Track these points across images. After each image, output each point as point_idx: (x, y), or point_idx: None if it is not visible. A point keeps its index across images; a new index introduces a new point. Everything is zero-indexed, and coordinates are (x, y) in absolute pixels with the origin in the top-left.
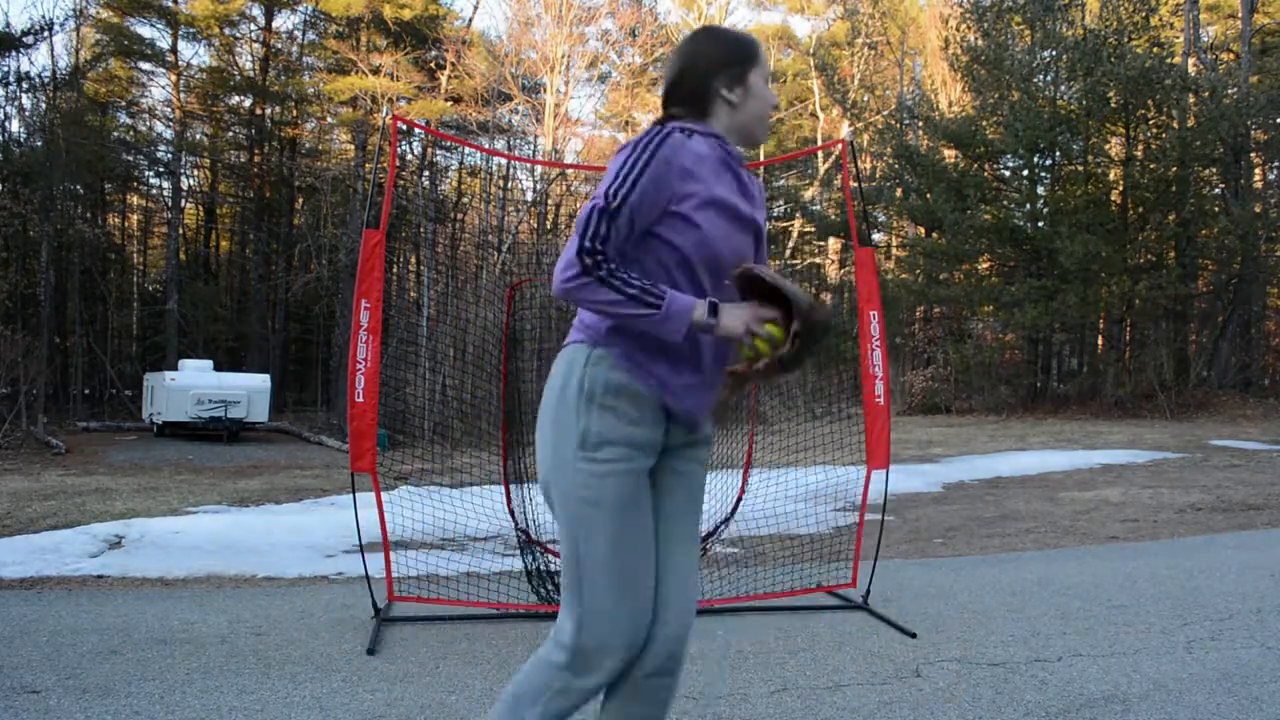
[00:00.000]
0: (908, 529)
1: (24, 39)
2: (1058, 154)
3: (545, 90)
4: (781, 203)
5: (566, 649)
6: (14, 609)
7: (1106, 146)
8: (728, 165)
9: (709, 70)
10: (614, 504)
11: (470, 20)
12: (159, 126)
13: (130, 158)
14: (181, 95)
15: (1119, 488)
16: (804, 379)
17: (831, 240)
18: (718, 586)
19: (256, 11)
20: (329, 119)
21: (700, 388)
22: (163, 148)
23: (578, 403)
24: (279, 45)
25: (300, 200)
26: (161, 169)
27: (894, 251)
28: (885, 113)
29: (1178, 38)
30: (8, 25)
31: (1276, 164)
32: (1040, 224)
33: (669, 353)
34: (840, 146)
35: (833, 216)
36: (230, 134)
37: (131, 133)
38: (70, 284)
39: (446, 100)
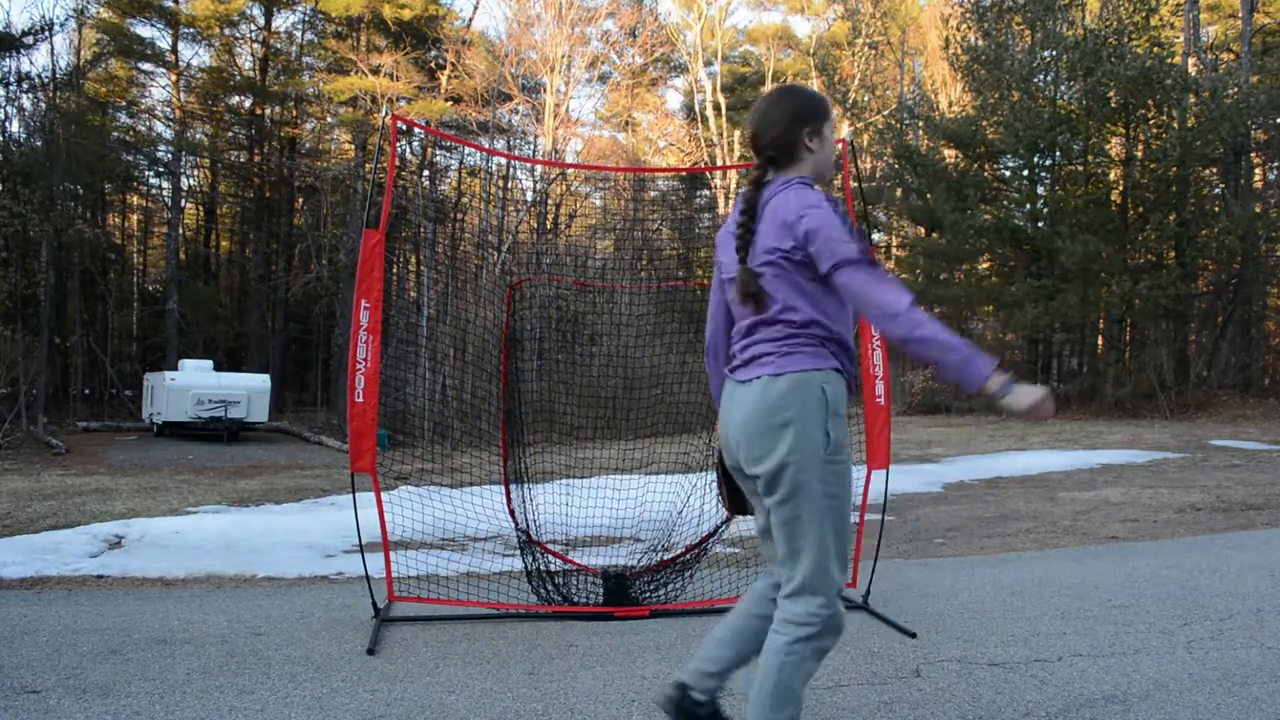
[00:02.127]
0: (908, 529)
1: (24, 39)
2: (1058, 154)
3: (545, 90)
4: None
5: (821, 619)
6: (14, 609)
7: (1106, 146)
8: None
9: (796, 125)
10: (849, 495)
11: (470, 20)
12: (159, 126)
13: (130, 158)
14: (181, 95)
15: (1119, 488)
16: None
17: None
18: (718, 586)
19: (256, 11)
20: (329, 119)
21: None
22: (163, 148)
23: (827, 416)
24: (279, 45)
25: (300, 200)
26: (161, 169)
27: (894, 251)
28: (885, 113)
29: (1178, 38)
30: (8, 25)
31: (1276, 164)
32: (1040, 224)
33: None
34: (840, 146)
35: None
36: (230, 134)
37: (131, 133)
38: (70, 284)
39: (446, 100)
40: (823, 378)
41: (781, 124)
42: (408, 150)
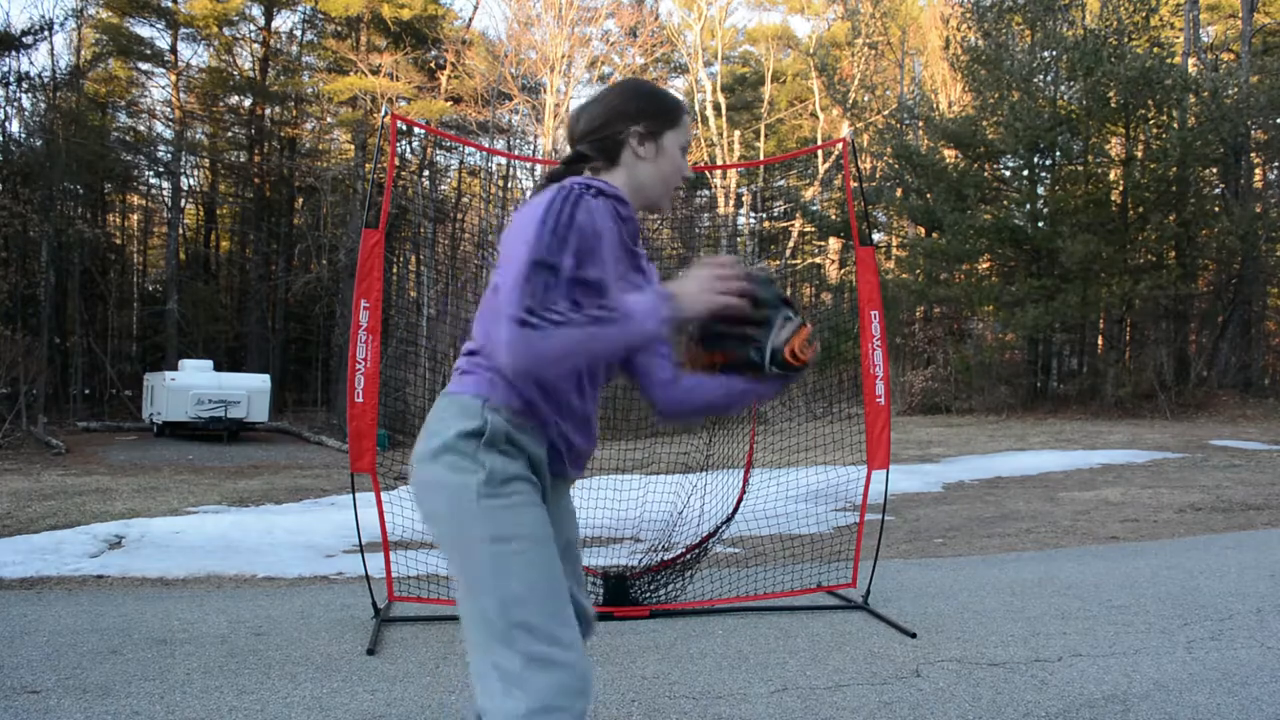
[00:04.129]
0: (908, 529)
1: (24, 39)
2: (1058, 154)
3: (545, 90)
4: (781, 203)
5: (518, 701)
6: (14, 609)
7: (1106, 146)
8: (622, 237)
9: (626, 120)
10: (532, 534)
11: (470, 20)
12: (159, 126)
13: (130, 158)
14: (181, 95)
15: (1119, 488)
16: (804, 379)
17: (832, 240)
18: (718, 586)
19: (256, 11)
20: (329, 119)
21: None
22: (163, 148)
23: (476, 447)
24: (278, 45)
25: (300, 200)
26: (161, 169)
27: (894, 251)
28: (885, 113)
29: (1178, 38)
30: (8, 25)
31: (1276, 164)
32: (1040, 224)
33: (559, 398)
34: (841, 146)
35: (833, 216)
36: (230, 134)
37: (131, 133)
38: (70, 284)
39: (446, 100)
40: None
41: (608, 114)
42: (408, 150)
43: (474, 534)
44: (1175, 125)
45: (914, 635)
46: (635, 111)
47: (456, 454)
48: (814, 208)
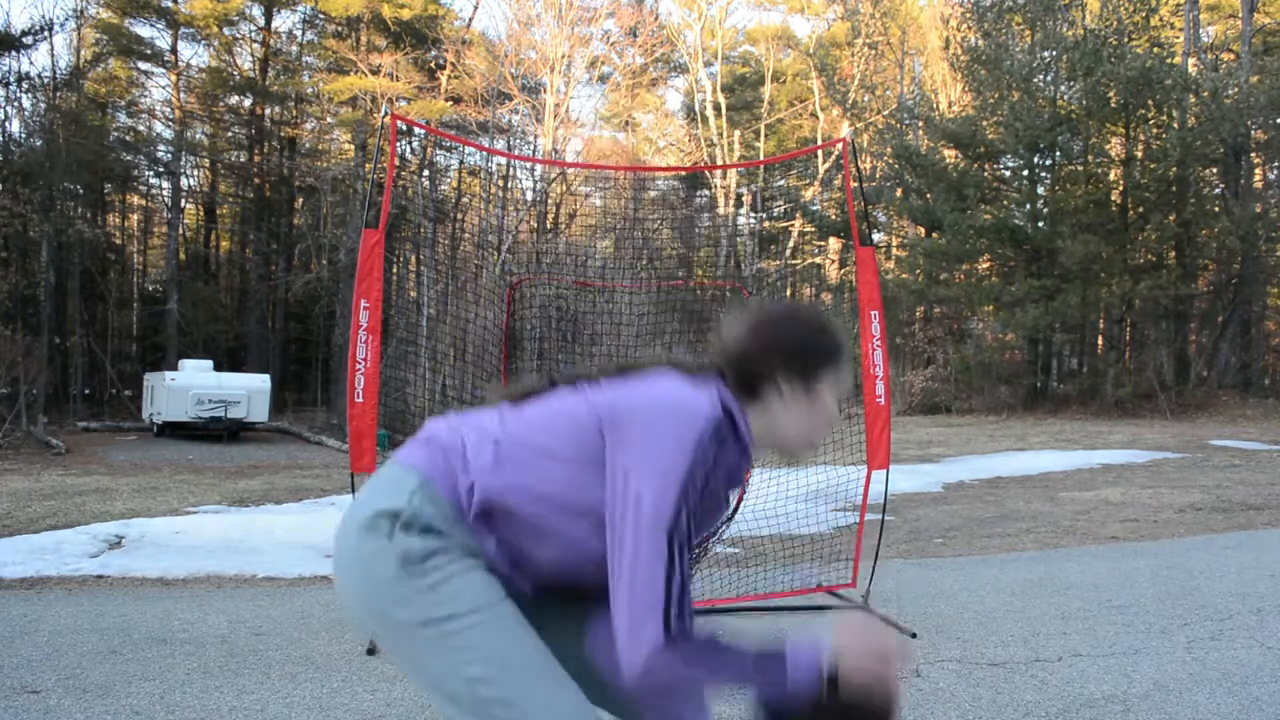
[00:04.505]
0: (908, 529)
1: (24, 39)
2: (1058, 154)
3: (545, 90)
4: (781, 203)
5: None
6: (14, 609)
7: (1106, 146)
8: (720, 486)
9: (778, 357)
10: (472, 606)
11: (470, 20)
12: (159, 126)
13: (130, 158)
14: (181, 95)
15: (1119, 488)
16: None
17: (832, 240)
18: (718, 586)
19: (256, 11)
20: (329, 119)
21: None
22: (163, 148)
23: (389, 535)
24: (278, 45)
25: (300, 200)
26: (161, 169)
27: (894, 251)
28: (885, 113)
29: (1178, 38)
30: (8, 25)
31: (1276, 164)
32: (1040, 224)
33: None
34: (841, 146)
35: (833, 216)
36: (230, 134)
37: (131, 133)
38: (70, 284)
39: (446, 100)
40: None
41: (759, 344)
42: (408, 150)
43: (400, 620)
44: (1175, 125)
45: (914, 635)
46: (797, 350)
47: (371, 532)
48: (814, 208)
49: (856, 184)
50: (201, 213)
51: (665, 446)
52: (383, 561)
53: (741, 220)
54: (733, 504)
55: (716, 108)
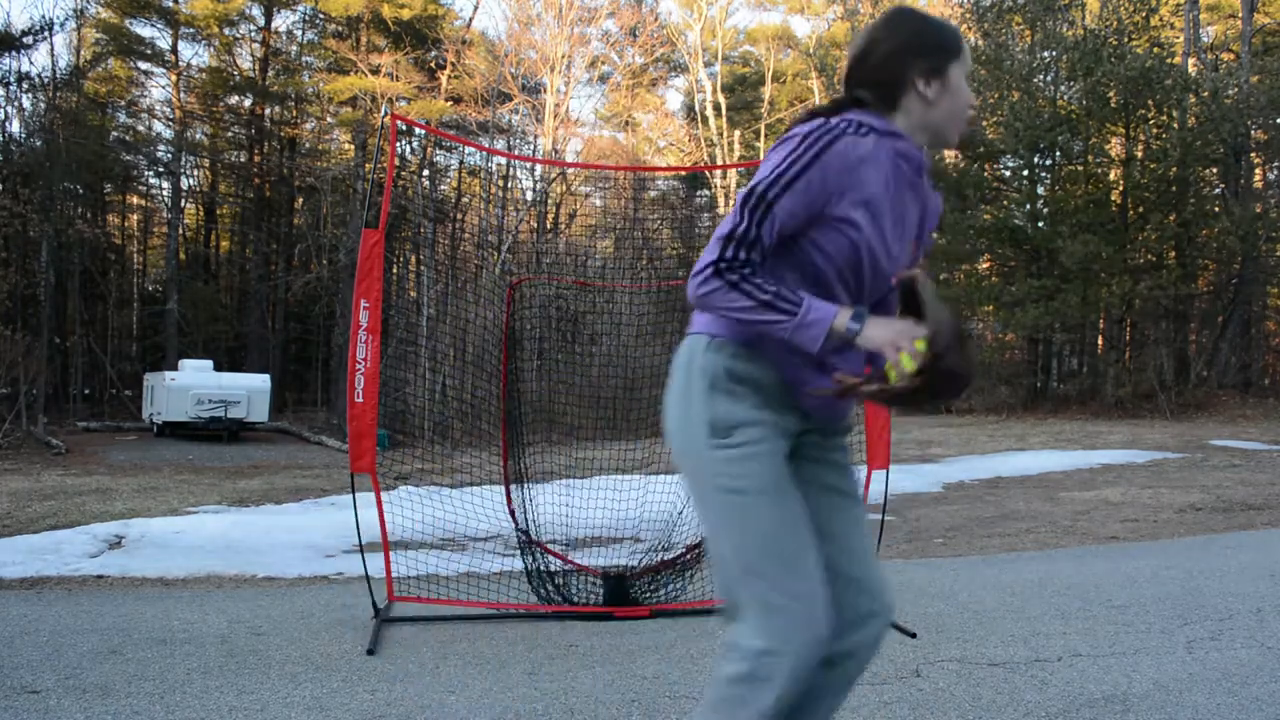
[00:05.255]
0: (908, 529)
1: (24, 39)
2: (1058, 154)
3: (545, 90)
4: None
5: (746, 656)
6: (14, 609)
7: (1106, 146)
8: (902, 172)
9: (906, 57)
10: (759, 487)
11: (470, 20)
12: (159, 126)
13: (130, 158)
14: (181, 95)
15: (1119, 488)
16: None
17: None
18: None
19: (256, 11)
20: (329, 119)
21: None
22: (163, 148)
23: (702, 391)
24: (278, 45)
25: (300, 200)
26: (161, 169)
27: None
28: None
29: (1178, 38)
30: (8, 25)
31: (1276, 164)
32: (1040, 224)
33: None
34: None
35: None
36: (230, 134)
37: (131, 133)
38: (70, 284)
39: (446, 100)
40: (711, 341)
41: (885, 53)
42: (408, 150)
43: (705, 482)
44: (1175, 125)
45: (914, 635)
46: (921, 47)
47: (685, 398)
48: None
49: None
50: (201, 213)
51: (780, 151)
52: (699, 428)
53: None
54: (932, 206)
55: (716, 108)
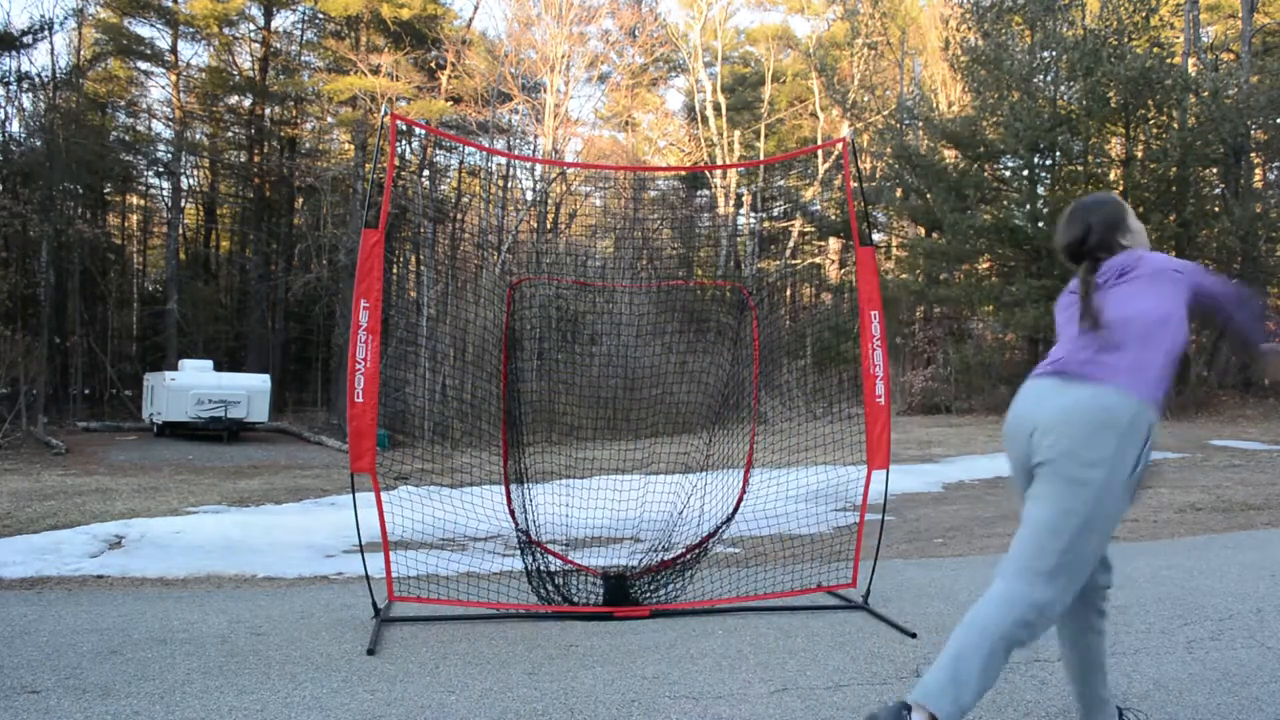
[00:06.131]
0: (908, 529)
1: (24, 39)
2: (1058, 154)
3: (545, 90)
4: (781, 203)
5: (1041, 608)
6: (14, 609)
7: (1106, 146)
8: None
9: (1110, 231)
10: (1119, 517)
11: (470, 20)
12: (159, 126)
13: (130, 158)
14: (181, 95)
15: None
16: (804, 379)
17: (832, 240)
18: (718, 586)
19: (256, 11)
20: (329, 119)
21: None
22: (162, 148)
23: (1142, 439)
24: (278, 45)
25: (300, 200)
26: (161, 169)
27: (894, 251)
28: (885, 113)
29: (1178, 38)
30: (8, 25)
31: (1276, 164)
32: (1040, 224)
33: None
34: (841, 146)
35: (833, 216)
36: (230, 134)
37: (131, 133)
38: (70, 284)
39: (446, 100)
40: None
41: (1100, 232)
42: (408, 150)
43: (1113, 506)
44: (1175, 125)
45: (914, 635)
46: (1116, 223)
47: (1129, 438)
48: (814, 208)
49: (856, 184)
50: (201, 213)
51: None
52: (1127, 466)
53: (741, 220)
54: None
55: (716, 108)
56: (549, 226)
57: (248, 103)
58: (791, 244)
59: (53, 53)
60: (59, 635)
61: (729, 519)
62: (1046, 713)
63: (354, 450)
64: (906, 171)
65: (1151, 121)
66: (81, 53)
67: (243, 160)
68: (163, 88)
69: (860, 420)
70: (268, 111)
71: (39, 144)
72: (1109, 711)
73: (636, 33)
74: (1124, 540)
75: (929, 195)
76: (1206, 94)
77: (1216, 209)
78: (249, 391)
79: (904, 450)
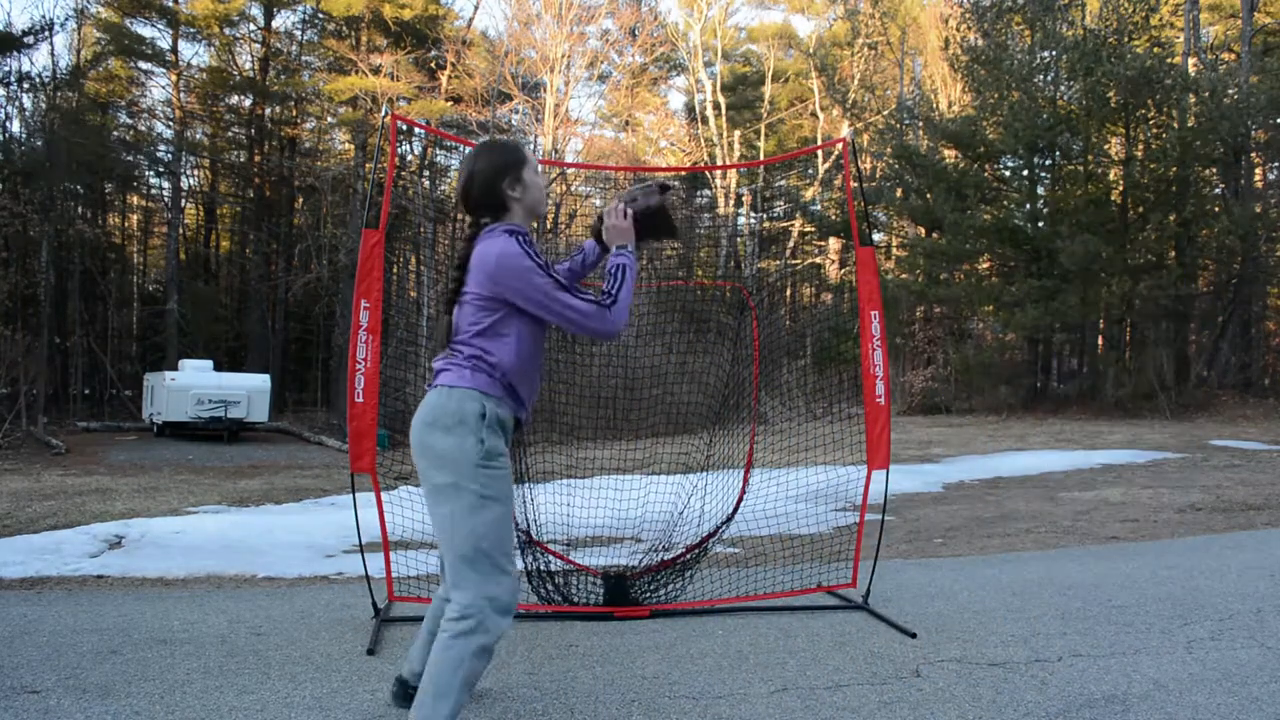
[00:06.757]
0: (908, 529)
1: (25, 39)
2: (1058, 154)
3: (545, 90)
4: (781, 203)
5: (481, 614)
6: (14, 609)
7: (1106, 146)
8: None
9: (498, 179)
10: (506, 495)
11: (470, 20)
12: (159, 126)
13: (130, 158)
14: (181, 95)
15: (1119, 488)
16: (804, 379)
17: (832, 240)
18: (718, 586)
19: (256, 11)
20: (329, 119)
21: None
22: (163, 148)
23: (477, 427)
24: (279, 45)
25: (300, 200)
26: (161, 169)
27: (894, 251)
28: (885, 113)
29: (1178, 38)
30: (8, 25)
31: (1276, 164)
32: (1040, 224)
33: (530, 382)
34: (841, 146)
35: (833, 216)
36: (230, 134)
37: (131, 133)
38: (70, 284)
39: (446, 100)
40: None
41: (484, 183)
42: (408, 150)
43: (469, 488)
44: (1175, 125)
45: (914, 635)
46: (502, 169)
47: (465, 429)
48: (814, 208)
49: (856, 184)
50: (201, 213)
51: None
52: (473, 452)
53: (741, 220)
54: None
55: (717, 107)
56: (549, 226)
57: (248, 103)
58: (791, 244)
59: (53, 53)
60: (59, 635)
61: (729, 519)
62: (1046, 713)
63: (354, 450)
64: (906, 171)
65: (1151, 121)
66: (82, 53)
67: (243, 160)
68: (163, 88)
69: (860, 420)
70: (268, 111)
71: (39, 144)
72: None
73: (636, 32)
74: (1124, 540)
75: (929, 195)
76: (1206, 94)
77: (1216, 209)
78: (249, 391)
79: (904, 450)
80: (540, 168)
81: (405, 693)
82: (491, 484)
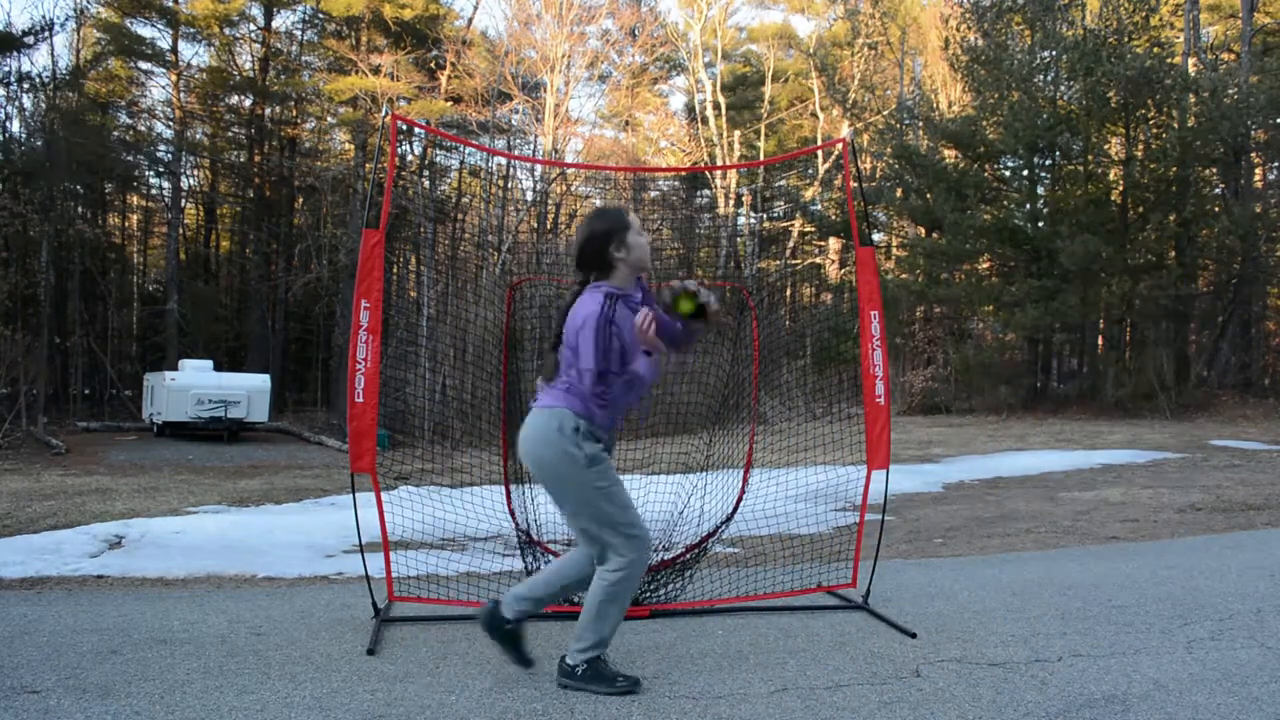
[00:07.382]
0: (908, 529)
1: (25, 39)
2: (1058, 154)
3: (545, 90)
4: (781, 203)
5: (631, 567)
6: (14, 609)
7: (1106, 146)
8: (629, 306)
9: (604, 243)
10: (616, 480)
11: (470, 20)
12: (159, 126)
13: (130, 158)
14: (181, 95)
15: (1119, 488)
16: (804, 379)
17: (832, 240)
18: (718, 586)
19: (256, 11)
20: (329, 119)
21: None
22: (163, 148)
23: (577, 440)
24: (279, 45)
25: (300, 200)
26: (161, 169)
27: (894, 251)
28: (885, 113)
29: (1178, 38)
30: (8, 25)
31: (1276, 164)
32: (1040, 224)
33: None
34: (841, 146)
35: (833, 216)
36: (230, 134)
37: (131, 133)
38: (70, 284)
39: (446, 100)
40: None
41: (596, 247)
42: (408, 150)
43: (588, 482)
44: (1175, 125)
45: (914, 635)
46: (608, 234)
47: (571, 440)
48: (814, 208)
49: (856, 184)
50: (201, 213)
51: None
52: (580, 457)
53: (741, 220)
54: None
55: (717, 107)
56: (549, 227)
57: (248, 103)
58: (791, 244)
59: (53, 53)
60: (59, 635)
61: (729, 519)
62: (1046, 713)
63: (354, 450)
64: (906, 171)
65: (1151, 121)
66: (82, 53)
67: (243, 160)
68: (163, 88)
69: (860, 420)
70: (268, 111)
71: (39, 144)
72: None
73: (636, 32)
74: (1124, 540)
75: (929, 195)
76: (1206, 94)
77: (1216, 209)
78: (249, 391)
79: (904, 450)
80: (642, 228)
81: (495, 613)
82: (602, 477)
